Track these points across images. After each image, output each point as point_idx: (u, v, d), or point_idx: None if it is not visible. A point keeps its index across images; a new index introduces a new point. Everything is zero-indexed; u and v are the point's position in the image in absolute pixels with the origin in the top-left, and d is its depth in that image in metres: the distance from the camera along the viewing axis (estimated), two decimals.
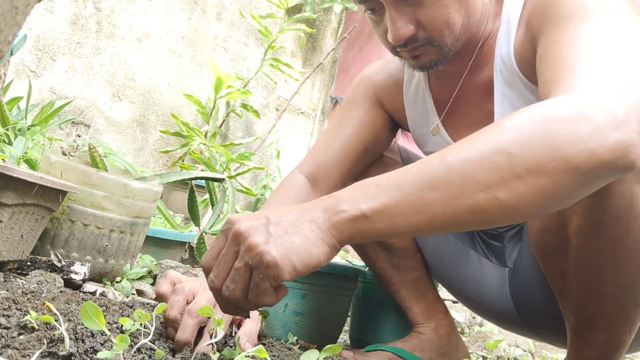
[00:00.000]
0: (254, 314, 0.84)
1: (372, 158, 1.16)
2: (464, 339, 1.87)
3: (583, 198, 0.73)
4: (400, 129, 1.20)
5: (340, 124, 1.16)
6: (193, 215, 1.63)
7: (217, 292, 0.65)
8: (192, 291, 0.80)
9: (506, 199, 0.59)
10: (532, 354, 1.86)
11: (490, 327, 2.06)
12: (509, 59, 0.91)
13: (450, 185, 0.60)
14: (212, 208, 1.77)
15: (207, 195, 2.16)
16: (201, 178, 1.64)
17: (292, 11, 3.60)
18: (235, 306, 0.65)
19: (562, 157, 0.59)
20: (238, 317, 0.81)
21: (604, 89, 0.63)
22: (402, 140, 1.24)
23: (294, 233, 0.62)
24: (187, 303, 0.79)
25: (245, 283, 0.62)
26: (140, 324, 0.68)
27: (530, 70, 0.87)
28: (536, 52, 0.82)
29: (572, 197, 0.62)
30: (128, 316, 0.81)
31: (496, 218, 0.61)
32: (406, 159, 1.20)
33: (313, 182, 1.12)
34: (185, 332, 0.74)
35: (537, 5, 0.84)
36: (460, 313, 2.12)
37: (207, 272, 0.66)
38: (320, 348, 0.73)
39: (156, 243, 1.70)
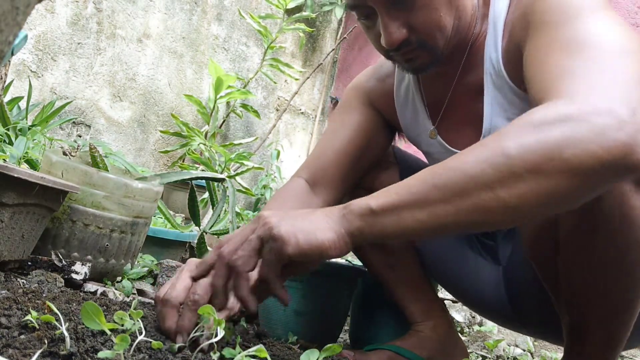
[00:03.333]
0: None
1: (370, 160, 1.16)
2: (463, 338, 1.87)
3: None
4: (397, 132, 1.20)
5: (336, 128, 1.17)
6: (193, 215, 1.63)
7: (222, 260, 0.71)
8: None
9: (508, 198, 0.61)
10: (531, 354, 1.86)
11: (489, 326, 2.06)
12: (497, 64, 0.91)
13: (452, 185, 0.64)
14: (213, 208, 1.77)
15: (205, 194, 2.17)
16: (202, 178, 1.64)
17: (292, 11, 3.60)
18: (235, 273, 0.71)
19: (560, 158, 0.60)
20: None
21: (605, 89, 0.64)
22: (400, 142, 1.25)
23: (305, 219, 0.70)
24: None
25: (252, 253, 0.70)
26: (137, 321, 0.69)
27: (517, 76, 0.88)
28: (522, 58, 0.83)
29: (577, 198, 0.63)
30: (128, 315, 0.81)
31: (501, 218, 0.64)
32: (401, 158, 1.21)
33: (312, 184, 1.12)
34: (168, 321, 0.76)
35: (522, 11, 0.85)
36: (459, 313, 2.13)
37: (220, 246, 0.74)
38: (320, 347, 0.73)
39: (157, 243, 1.70)
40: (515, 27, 0.86)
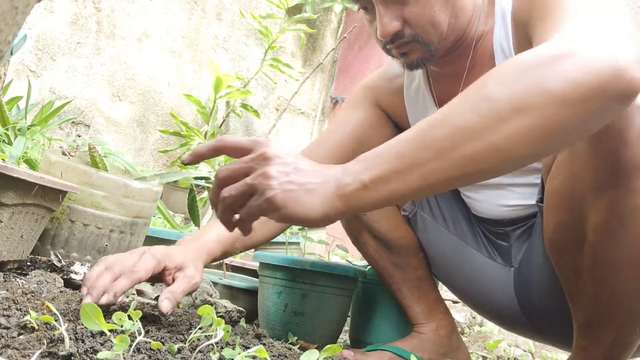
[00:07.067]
0: (185, 276, 0.87)
1: None
2: (464, 339, 1.87)
3: (603, 194, 0.73)
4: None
5: (338, 123, 1.19)
6: (193, 215, 1.63)
7: (220, 183, 0.69)
8: (118, 260, 0.85)
9: (498, 142, 0.60)
10: (532, 354, 1.86)
11: (490, 327, 2.06)
12: (510, 54, 0.93)
13: (439, 140, 0.62)
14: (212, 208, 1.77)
15: (204, 194, 2.16)
16: (201, 178, 1.64)
17: (292, 11, 3.60)
18: (221, 207, 0.69)
19: (544, 91, 0.58)
20: (167, 278, 0.88)
21: (589, 27, 0.64)
22: None
23: (304, 192, 0.66)
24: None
25: (242, 196, 0.67)
26: (136, 321, 0.68)
27: None
28: (530, 40, 0.83)
29: (573, 131, 0.61)
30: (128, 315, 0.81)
31: (494, 164, 0.61)
32: None
33: None
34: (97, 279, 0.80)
35: (522, 4, 0.86)
36: (460, 313, 2.12)
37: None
38: (320, 348, 0.73)
39: (156, 243, 1.70)
40: (519, 11, 0.86)
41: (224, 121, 3.50)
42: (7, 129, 1.97)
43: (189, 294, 0.88)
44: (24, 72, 2.72)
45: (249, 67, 3.74)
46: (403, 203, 1.19)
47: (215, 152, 0.73)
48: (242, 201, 0.67)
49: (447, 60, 0.99)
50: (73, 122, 2.89)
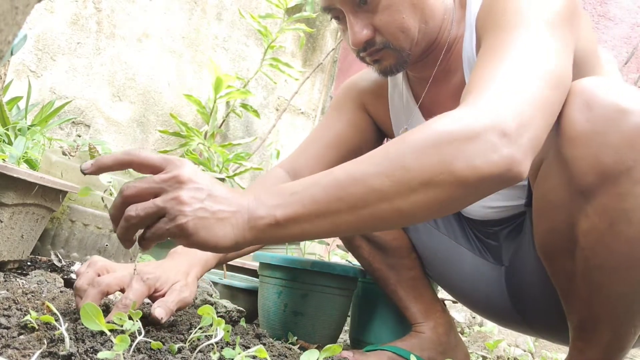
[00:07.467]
0: (174, 290, 0.87)
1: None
2: (463, 339, 1.87)
3: (591, 199, 0.75)
4: (386, 137, 1.21)
5: (325, 125, 1.19)
6: None
7: (125, 200, 0.67)
8: (105, 267, 0.84)
9: (403, 208, 0.67)
10: (532, 354, 1.86)
11: (490, 327, 2.06)
12: (474, 62, 0.93)
13: (355, 197, 0.67)
14: None
15: None
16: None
17: (292, 11, 3.60)
18: (124, 225, 0.67)
19: (449, 171, 0.65)
20: (158, 294, 0.86)
21: (501, 106, 0.69)
22: None
23: (216, 220, 0.67)
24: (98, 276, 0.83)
25: (150, 218, 0.66)
26: (136, 321, 0.69)
27: None
28: None
29: (463, 204, 0.70)
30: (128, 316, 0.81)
31: (394, 224, 0.70)
32: None
33: (293, 176, 1.14)
34: (87, 300, 0.77)
35: (482, 9, 0.87)
36: (460, 313, 2.13)
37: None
38: (320, 348, 0.73)
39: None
40: (477, 24, 0.88)
41: (224, 121, 3.50)
42: (7, 129, 1.97)
43: (179, 309, 0.87)
44: (24, 72, 2.72)
45: (249, 67, 3.74)
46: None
47: (121, 165, 0.71)
48: (148, 222, 0.66)
49: (422, 65, 1.01)
50: (73, 122, 2.89)
